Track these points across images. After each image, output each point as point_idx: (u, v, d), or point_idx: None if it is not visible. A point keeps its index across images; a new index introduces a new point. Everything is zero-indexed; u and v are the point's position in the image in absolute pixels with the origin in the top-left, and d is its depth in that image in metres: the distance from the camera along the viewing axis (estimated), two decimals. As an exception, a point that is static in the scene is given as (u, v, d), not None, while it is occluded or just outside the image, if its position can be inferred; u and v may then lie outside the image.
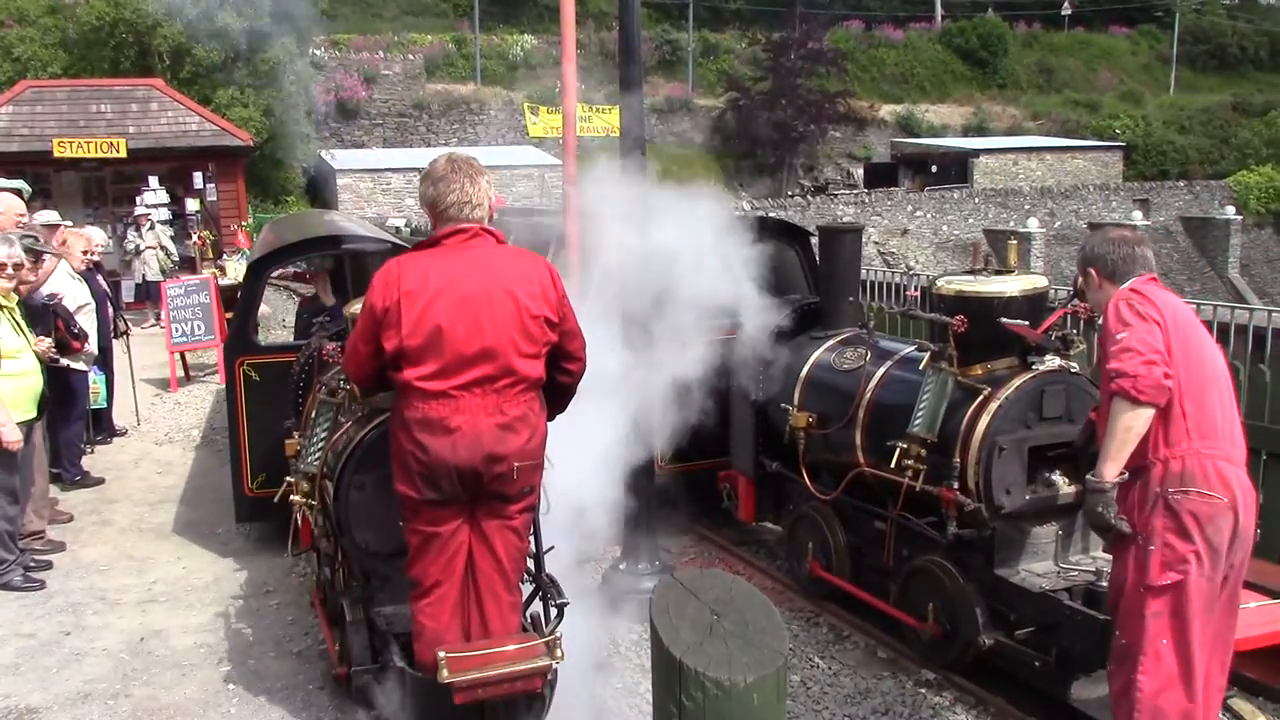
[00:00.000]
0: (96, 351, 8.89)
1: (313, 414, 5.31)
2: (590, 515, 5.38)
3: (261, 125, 23.52)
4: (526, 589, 4.54)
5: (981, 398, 5.22)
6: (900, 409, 5.58)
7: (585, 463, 5.43)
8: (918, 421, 5.40)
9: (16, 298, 6.77)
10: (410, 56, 35.91)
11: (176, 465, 9.45)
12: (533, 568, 4.56)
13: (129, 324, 11.17)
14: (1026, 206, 35.13)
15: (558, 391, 4.37)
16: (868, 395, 5.90)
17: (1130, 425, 3.83)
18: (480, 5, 37.36)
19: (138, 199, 18.56)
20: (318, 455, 5.04)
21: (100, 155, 18.62)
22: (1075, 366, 5.36)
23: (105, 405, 9.96)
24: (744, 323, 7.10)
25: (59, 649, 5.75)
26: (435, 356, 3.99)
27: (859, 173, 38.59)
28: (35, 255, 7.56)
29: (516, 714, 4.23)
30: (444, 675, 3.96)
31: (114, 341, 10.15)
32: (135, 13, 22.91)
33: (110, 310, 9.97)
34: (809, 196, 33.42)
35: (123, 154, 18.57)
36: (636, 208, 6.08)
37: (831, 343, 6.51)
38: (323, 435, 5.10)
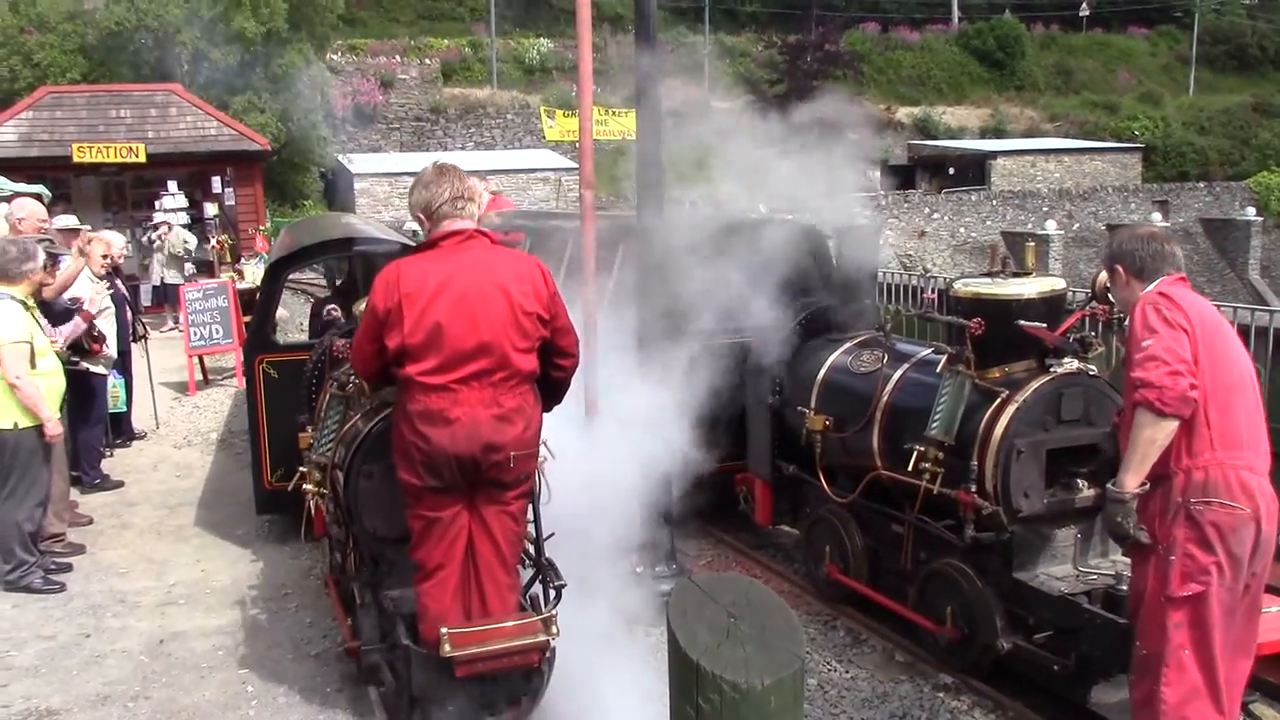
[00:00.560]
0: (116, 355, 8.94)
1: (324, 408, 5.54)
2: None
3: (278, 130, 23.63)
4: (528, 574, 4.76)
5: (999, 400, 5.20)
6: (918, 412, 5.57)
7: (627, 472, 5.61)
8: (935, 424, 5.39)
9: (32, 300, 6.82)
10: (427, 61, 36.05)
11: (195, 468, 9.49)
12: (533, 552, 4.77)
13: (147, 328, 11.23)
14: (1045, 208, 35.00)
15: (552, 385, 4.60)
16: (885, 398, 5.88)
17: (1154, 438, 3.78)
18: (496, 9, 37.46)
19: (156, 204, 18.67)
20: (329, 446, 5.27)
21: (119, 160, 18.73)
22: (1093, 369, 5.33)
23: (124, 409, 10.02)
24: (760, 325, 7.10)
25: (79, 651, 5.77)
26: (435, 352, 4.20)
27: (876, 175, 38.51)
28: (52, 259, 7.62)
29: (515, 688, 4.49)
30: (446, 650, 4.21)
31: (132, 345, 10.20)
32: (155, 18, 23.05)
33: (129, 314, 10.02)
34: (825, 199, 33.35)
35: (142, 159, 18.68)
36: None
37: (848, 345, 6.49)
38: (333, 427, 5.34)
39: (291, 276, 11.47)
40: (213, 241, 18.77)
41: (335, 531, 5.45)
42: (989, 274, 5.58)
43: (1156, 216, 34.20)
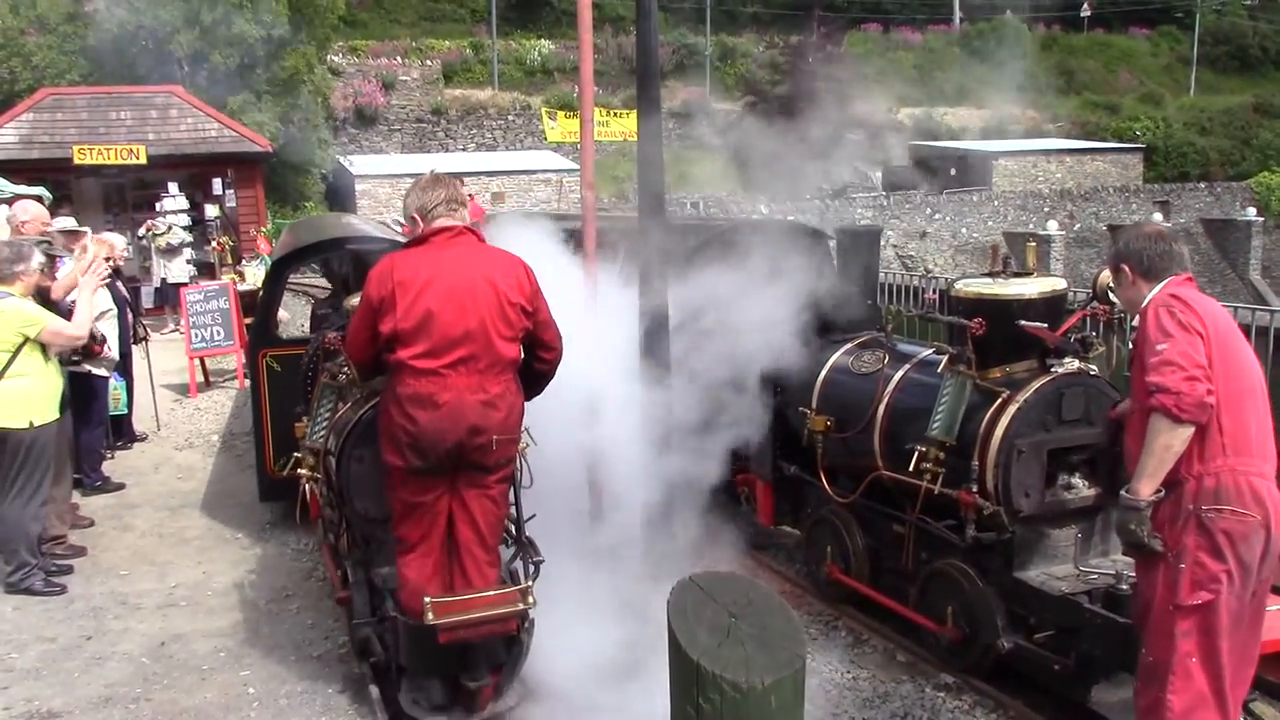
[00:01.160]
0: (118, 357, 8.95)
1: (317, 398, 5.84)
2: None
3: (279, 131, 23.64)
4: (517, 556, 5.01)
5: (1000, 400, 5.21)
6: (918, 412, 5.57)
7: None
8: (936, 425, 5.39)
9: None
10: (428, 62, 36.07)
11: (196, 470, 9.50)
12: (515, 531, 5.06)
13: (148, 329, 11.23)
14: (1046, 209, 34.99)
15: (535, 376, 4.89)
16: (886, 399, 5.89)
17: (1170, 444, 3.73)
18: (497, 11, 37.47)
19: (157, 205, 18.68)
20: (321, 433, 5.60)
21: (120, 162, 18.73)
22: (1094, 369, 5.34)
23: (125, 411, 10.02)
24: (762, 327, 7.10)
25: (80, 653, 5.78)
26: (425, 338, 4.47)
27: (878, 176, 38.50)
28: (51, 260, 7.62)
29: (496, 655, 4.78)
30: (429, 618, 4.47)
31: (134, 347, 10.20)
32: (155, 19, 23.06)
33: (130, 316, 10.03)
34: (827, 200, 33.36)
35: (142, 161, 18.68)
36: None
37: (849, 346, 6.49)
38: (326, 415, 5.66)
39: (292, 279, 11.59)
40: (213, 243, 18.79)
41: (328, 514, 5.75)
42: (990, 274, 5.59)
43: (1158, 217, 34.17)
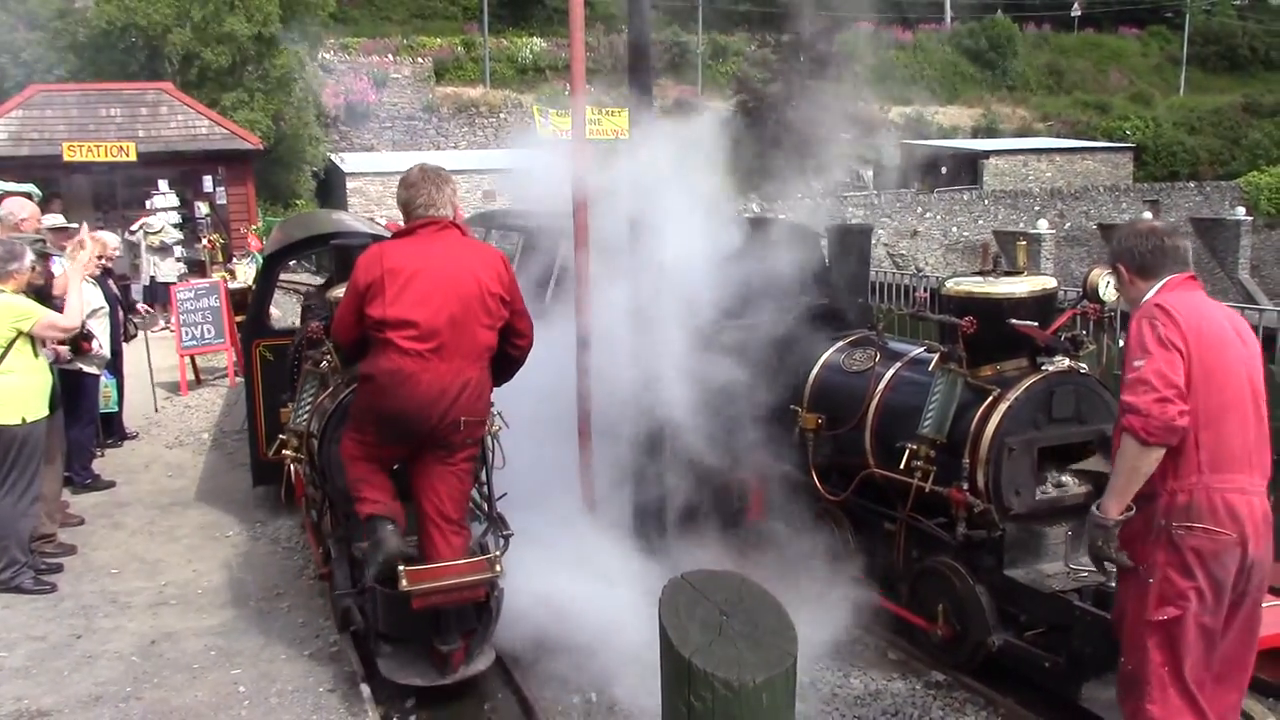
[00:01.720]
0: (108, 355, 8.92)
1: (301, 384, 6.20)
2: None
3: (269, 129, 23.56)
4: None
5: (991, 399, 5.22)
6: (910, 410, 5.58)
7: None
8: (927, 423, 5.40)
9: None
10: (419, 60, 36.00)
11: (187, 468, 9.47)
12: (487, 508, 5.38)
13: (137, 327, 11.20)
14: (1036, 208, 35.06)
15: (508, 362, 5.20)
16: (877, 397, 5.90)
17: (1137, 466, 3.69)
18: (489, 8, 37.42)
19: (147, 203, 18.61)
20: (305, 416, 5.94)
21: (110, 159, 18.66)
22: (1084, 367, 5.35)
23: (116, 409, 10.00)
24: (753, 324, 7.10)
25: (70, 652, 5.76)
26: (413, 323, 4.76)
27: (869, 174, 38.51)
28: (43, 258, 7.60)
29: (467, 621, 5.11)
30: (403, 585, 4.77)
31: (124, 345, 10.18)
32: (145, 17, 22.97)
33: (121, 314, 10.00)
34: (818, 198, 33.35)
35: (132, 158, 18.62)
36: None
37: (841, 344, 6.50)
38: (309, 400, 6.01)
39: (283, 277, 11.71)
40: (204, 241, 18.73)
41: (311, 493, 6.13)
42: (981, 273, 5.60)
43: (1148, 216, 34.25)
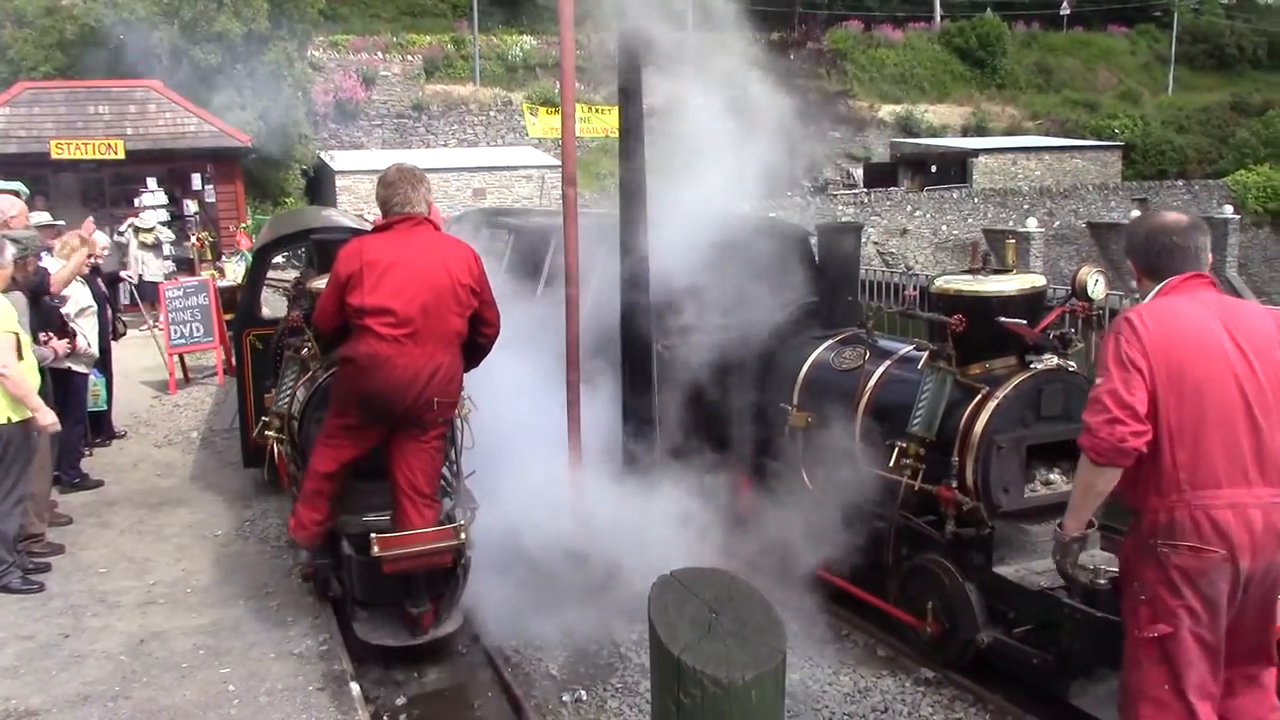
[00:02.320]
0: (97, 354, 8.89)
1: (283, 369, 6.65)
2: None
3: (259, 127, 23.49)
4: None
5: (980, 397, 5.24)
6: (899, 408, 5.59)
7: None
8: (916, 421, 5.41)
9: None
10: (409, 57, 35.90)
11: (176, 467, 9.45)
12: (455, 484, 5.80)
13: (126, 326, 11.17)
14: (1025, 206, 35.14)
15: (475, 349, 5.58)
16: (867, 395, 5.91)
17: (1091, 483, 3.68)
18: (479, 6, 37.36)
19: (136, 201, 18.54)
20: (286, 398, 6.36)
21: (98, 157, 18.57)
22: (1073, 365, 5.37)
23: (105, 408, 9.97)
24: (743, 322, 7.11)
25: (58, 651, 5.74)
26: (389, 310, 5.14)
27: (858, 173, 38.57)
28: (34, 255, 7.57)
29: (436, 586, 5.48)
30: (375, 551, 5.16)
31: (112, 343, 10.15)
32: (132, 14, 22.87)
33: (109, 312, 9.97)
34: (808, 196, 33.40)
35: (121, 155, 18.53)
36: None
37: (830, 342, 6.51)
38: (290, 383, 6.44)
39: (271, 275, 11.80)
40: (193, 239, 18.66)
41: (293, 470, 6.44)
42: (970, 271, 5.62)
43: (1136, 214, 34.36)
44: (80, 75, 21.91)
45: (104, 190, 20.40)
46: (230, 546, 7.37)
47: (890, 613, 5.77)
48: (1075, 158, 40.95)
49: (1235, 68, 51.86)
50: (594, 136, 32.17)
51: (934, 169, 38.81)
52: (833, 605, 6.24)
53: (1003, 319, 5.23)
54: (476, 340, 5.53)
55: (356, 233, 6.96)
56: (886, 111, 40.56)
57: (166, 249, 17.64)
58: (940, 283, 5.64)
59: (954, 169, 38.75)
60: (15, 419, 6.38)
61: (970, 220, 34.60)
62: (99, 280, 9.84)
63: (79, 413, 8.69)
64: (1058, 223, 35.12)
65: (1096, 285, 5.27)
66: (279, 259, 16.32)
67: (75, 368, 8.22)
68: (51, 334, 7.50)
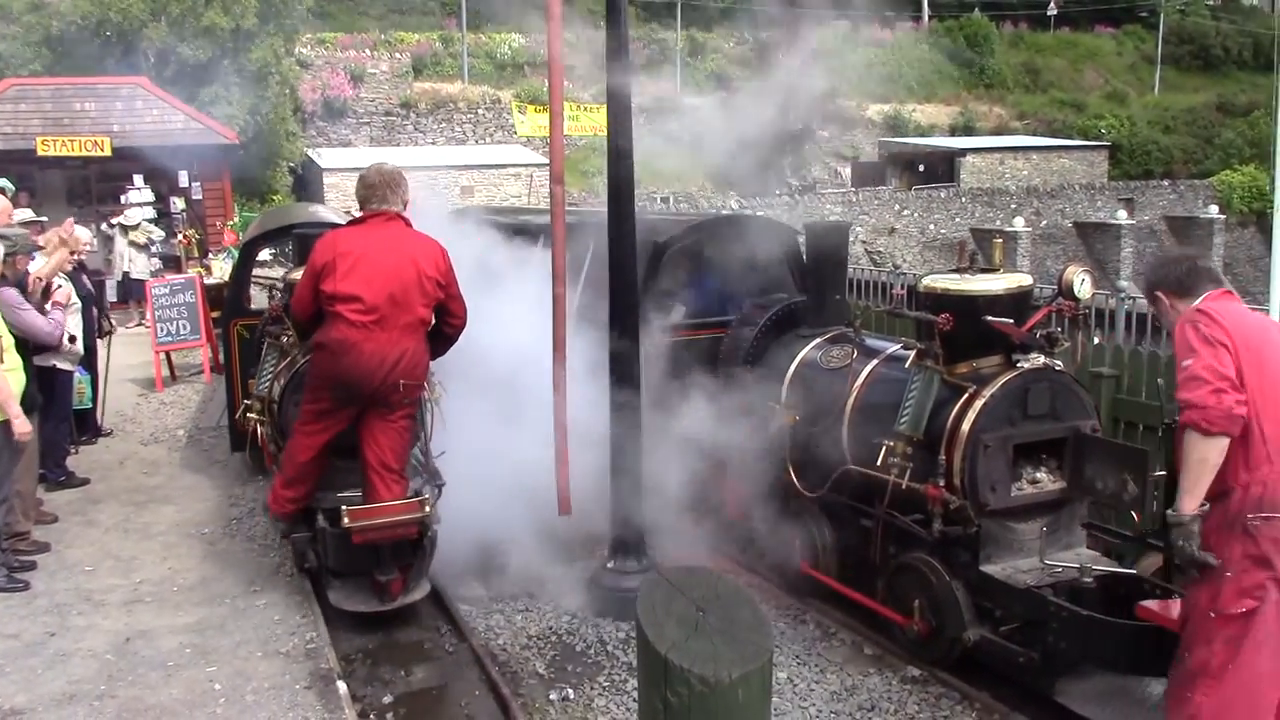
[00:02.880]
0: (82, 351, 8.85)
1: (263, 355, 7.29)
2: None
3: (247, 124, 23.39)
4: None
5: (967, 395, 5.25)
6: (887, 407, 5.61)
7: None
8: (904, 419, 5.43)
9: None
10: (397, 55, 35.82)
11: (162, 465, 9.42)
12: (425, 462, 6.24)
13: (114, 323, 11.12)
14: (1013, 205, 35.25)
15: (444, 337, 6.03)
16: (854, 393, 5.92)
17: (1205, 457, 3.74)
18: (467, 4, 37.29)
19: (122, 198, 18.45)
20: (267, 382, 6.95)
21: (84, 154, 18.48)
22: (1059, 364, 5.39)
23: (90, 405, 9.92)
24: (730, 320, 7.12)
25: (44, 650, 5.71)
26: (358, 298, 5.57)
27: (846, 172, 38.62)
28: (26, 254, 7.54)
29: (403, 556, 5.92)
30: (345, 523, 5.60)
31: (98, 341, 10.10)
32: (120, 11, 22.74)
33: (95, 310, 9.92)
34: (797, 195, 33.44)
35: (107, 152, 18.42)
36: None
37: (818, 341, 6.52)
38: (270, 369, 7.04)
39: (257, 272, 11.87)
40: (179, 236, 18.57)
41: (273, 450, 6.88)
42: (957, 270, 5.62)
43: (1122, 214, 34.54)
44: (67, 72, 21.77)
45: (90, 187, 20.28)
46: (217, 545, 7.35)
47: (877, 611, 5.79)
48: (1062, 158, 41.08)
49: (1221, 68, 52.06)
50: (582, 135, 32.15)
51: (922, 168, 38.88)
52: (820, 603, 6.26)
53: (990, 318, 5.24)
54: (443, 329, 5.99)
55: (334, 226, 7.13)
56: (874, 111, 40.62)
57: (154, 246, 17.57)
58: (928, 282, 5.65)
59: (942, 168, 38.83)
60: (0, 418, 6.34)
61: (958, 219, 34.70)
62: (84, 277, 9.80)
63: (64, 410, 8.65)
64: (1045, 222, 35.24)
65: (1083, 284, 5.30)
66: (266, 255, 16.38)
67: (61, 365, 8.18)
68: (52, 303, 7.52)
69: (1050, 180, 39.16)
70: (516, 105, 33.64)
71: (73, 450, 9.21)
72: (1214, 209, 36.27)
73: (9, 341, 6.49)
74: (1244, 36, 53.15)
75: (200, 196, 19.87)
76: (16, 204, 11.78)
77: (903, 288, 10.38)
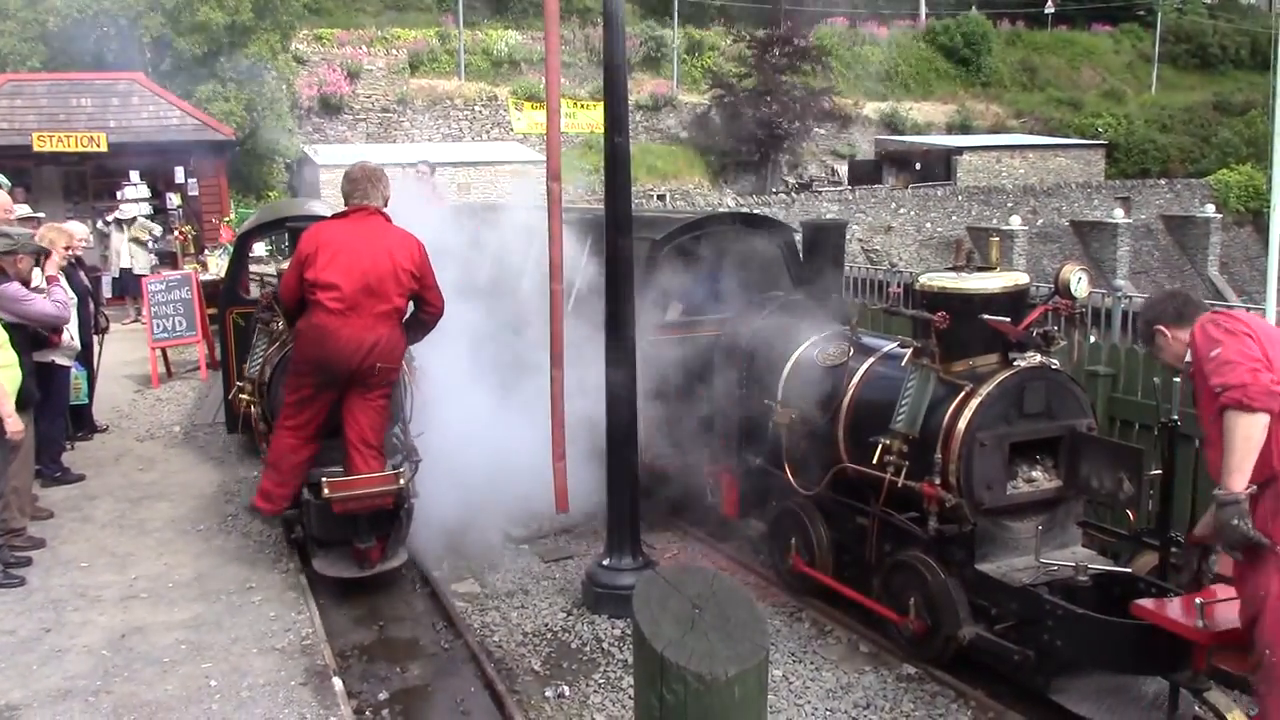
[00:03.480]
0: (79, 347, 8.84)
1: (254, 341, 7.92)
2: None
3: (244, 120, 23.34)
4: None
5: (963, 394, 5.25)
6: (883, 405, 5.61)
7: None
8: (900, 417, 5.43)
9: None
10: (394, 51, 35.74)
11: (158, 461, 9.41)
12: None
13: (108, 319, 11.11)
14: (1009, 204, 35.24)
15: (420, 324, 6.50)
16: (850, 391, 5.92)
17: (1249, 434, 3.80)
18: (464, 0, 37.25)
19: (118, 194, 18.42)
20: (257, 365, 7.57)
21: (81, 150, 18.45)
22: (1056, 363, 5.39)
23: (86, 401, 9.91)
24: (728, 319, 7.13)
25: (39, 646, 5.72)
26: (337, 287, 6.00)
27: (843, 170, 38.60)
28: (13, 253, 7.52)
29: (381, 526, 6.38)
30: (325, 494, 6.07)
31: (96, 336, 10.09)
32: (117, 5, 22.68)
33: (91, 306, 9.91)
34: (793, 193, 33.41)
35: (103, 148, 18.40)
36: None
37: (814, 339, 6.52)
38: (260, 352, 7.65)
39: (253, 269, 11.93)
40: (175, 232, 18.55)
41: (262, 428, 7.40)
42: (954, 268, 5.63)
43: (1119, 213, 34.53)
44: (63, 67, 21.72)
45: (86, 183, 20.26)
46: (212, 541, 7.35)
47: (873, 609, 5.80)
48: (1059, 156, 41.06)
49: (1218, 67, 52.08)
50: (579, 132, 32.13)
51: (919, 166, 38.85)
52: (816, 601, 6.27)
53: (986, 316, 5.25)
54: (420, 317, 6.46)
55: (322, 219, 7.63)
56: (871, 109, 40.57)
57: (151, 243, 17.55)
58: (924, 280, 5.65)
59: (938, 167, 38.80)
60: None
61: (954, 218, 34.67)
62: (81, 273, 9.79)
63: (61, 407, 8.64)
64: (1041, 221, 35.22)
65: (1079, 283, 5.31)
66: (263, 252, 16.39)
67: (58, 361, 8.17)
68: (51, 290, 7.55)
69: (1047, 179, 39.16)
70: (513, 102, 33.61)
71: (69, 446, 9.20)
72: (1210, 208, 36.27)
73: (2, 338, 6.48)
74: (1241, 35, 53.20)
75: (196, 193, 19.84)
76: (14, 200, 11.77)
77: (899, 286, 10.40)
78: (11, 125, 18.72)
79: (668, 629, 2.53)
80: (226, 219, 19.47)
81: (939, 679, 5.34)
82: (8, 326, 6.65)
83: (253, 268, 12.16)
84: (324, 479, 6.13)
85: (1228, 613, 4.23)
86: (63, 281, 8.04)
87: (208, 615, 6.10)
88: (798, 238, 7.48)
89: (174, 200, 19.42)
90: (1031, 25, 50.58)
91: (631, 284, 6.13)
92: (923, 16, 48.35)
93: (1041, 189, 36.96)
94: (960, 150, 38.80)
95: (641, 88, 35.94)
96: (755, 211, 20.63)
